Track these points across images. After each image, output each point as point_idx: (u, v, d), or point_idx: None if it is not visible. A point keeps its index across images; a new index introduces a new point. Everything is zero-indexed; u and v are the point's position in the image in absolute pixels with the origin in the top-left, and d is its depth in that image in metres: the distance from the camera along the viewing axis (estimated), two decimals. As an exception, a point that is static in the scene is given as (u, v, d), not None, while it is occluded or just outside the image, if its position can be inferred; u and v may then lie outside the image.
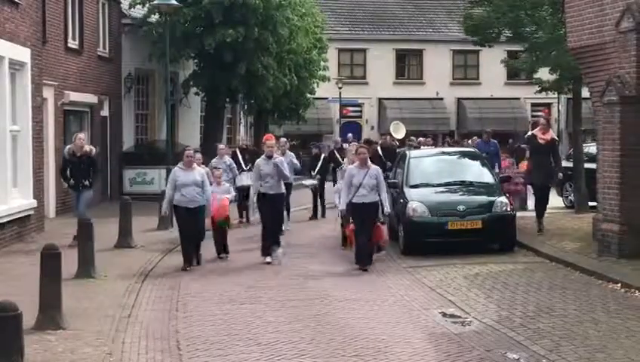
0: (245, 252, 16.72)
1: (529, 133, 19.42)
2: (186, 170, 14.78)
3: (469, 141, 33.39)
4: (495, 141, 24.66)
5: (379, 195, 14.61)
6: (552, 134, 18.61)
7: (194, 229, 14.77)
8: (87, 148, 17.33)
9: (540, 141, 17.87)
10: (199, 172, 14.93)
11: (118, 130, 27.75)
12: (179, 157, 16.83)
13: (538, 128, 18.27)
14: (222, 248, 16.07)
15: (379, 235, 14.98)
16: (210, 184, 15.76)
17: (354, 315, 10.91)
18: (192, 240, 14.90)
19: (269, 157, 15.63)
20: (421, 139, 30.35)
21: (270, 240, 15.45)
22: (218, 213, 15.59)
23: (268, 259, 15.29)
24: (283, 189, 15.92)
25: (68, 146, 17.73)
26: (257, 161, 15.99)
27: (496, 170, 21.05)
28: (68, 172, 17.21)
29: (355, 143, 20.20)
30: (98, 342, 9.58)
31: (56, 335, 9.77)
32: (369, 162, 14.80)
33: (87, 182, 17.13)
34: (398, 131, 31.14)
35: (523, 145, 28.90)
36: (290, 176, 18.12)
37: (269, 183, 15.41)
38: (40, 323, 9.96)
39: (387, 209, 14.88)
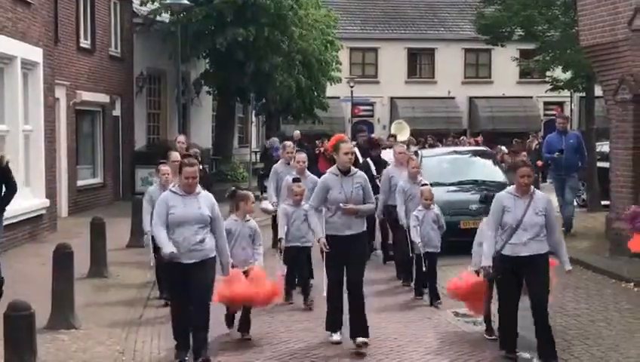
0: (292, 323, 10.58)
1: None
2: (183, 194, 8.61)
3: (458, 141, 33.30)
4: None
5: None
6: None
7: (196, 301, 8.56)
8: None
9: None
10: (207, 199, 8.68)
11: (130, 130, 27.80)
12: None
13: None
14: (244, 322, 9.88)
15: None
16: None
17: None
18: (191, 319, 8.63)
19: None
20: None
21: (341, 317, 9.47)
22: (253, 296, 9.58)
23: (336, 336, 9.40)
24: (365, 226, 9.60)
25: None
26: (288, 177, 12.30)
27: None
28: None
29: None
30: (110, 341, 9.59)
31: (69, 335, 9.79)
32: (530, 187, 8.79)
33: None
34: (402, 131, 25.59)
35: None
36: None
37: (341, 219, 9.28)
38: (52, 323, 9.98)
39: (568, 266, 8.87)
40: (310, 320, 10.48)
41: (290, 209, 11.52)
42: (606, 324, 10.11)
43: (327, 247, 9.15)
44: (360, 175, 9.38)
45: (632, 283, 12.32)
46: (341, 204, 9.08)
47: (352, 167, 9.43)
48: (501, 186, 16.94)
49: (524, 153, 30.96)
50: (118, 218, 18.69)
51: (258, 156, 36.96)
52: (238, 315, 9.91)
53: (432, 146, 32.65)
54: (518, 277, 8.63)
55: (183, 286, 8.53)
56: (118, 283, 13.11)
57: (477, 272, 9.46)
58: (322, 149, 21.43)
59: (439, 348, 9.32)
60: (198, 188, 8.64)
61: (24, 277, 13.09)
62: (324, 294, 9.56)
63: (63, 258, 10.28)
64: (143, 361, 8.92)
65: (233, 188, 10.89)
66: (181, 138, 15.58)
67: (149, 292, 12.40)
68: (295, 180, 11.84)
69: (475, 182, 17.15)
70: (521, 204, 8.57)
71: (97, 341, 9.59)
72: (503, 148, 32.33)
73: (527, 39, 26.44)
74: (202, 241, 8.47)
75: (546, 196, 8.79)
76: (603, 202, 21.00)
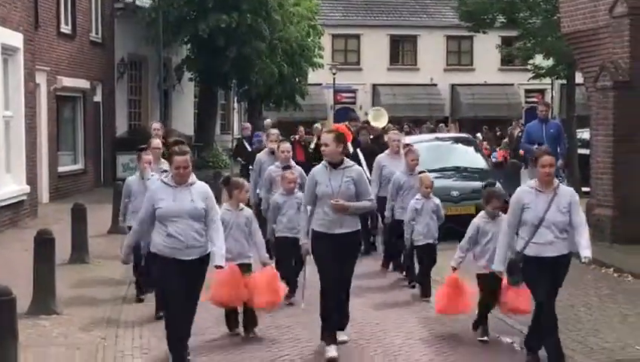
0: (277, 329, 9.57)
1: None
2: (174, 185, 7.82)
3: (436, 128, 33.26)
4: None
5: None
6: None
7: (190, 301, 7.89)
8: None
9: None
10: (201, 191, 7.88)
11: (111, 116, 27.67)
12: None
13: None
14: (250, 320, 9.32)
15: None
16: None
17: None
18: (186, 322, 7.89)
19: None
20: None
21: (335, 316, 8.66)
22: (260, 298, 9.06)
23: (332, 352, 8.36)
24: (359, 225, 8.83)
25: None
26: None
27: None
28: None
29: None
30: (92, 326, 9.58)
31: (50, 320, 9.77)
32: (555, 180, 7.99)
33: None
34: (380, 118, 24.16)
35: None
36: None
37: (330, 216, 8.54)
38: (34, 308, 9.96)
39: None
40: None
41: (282, 199, 10.78)
42: (586, 309, 10.18)
43: (309, 254, 8.65)
44: (353, 169, 8.56)
45: (611, 269, 12.40)
46: (332, 201, 8.36)
47: (346, 160, 8.67)
48: (482, 173, 17.07)
49: (505, 140, 31.13)
50: (99, 204, 18.62)
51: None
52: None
53: (407, 134, 32.72)
54: (546, 276, 7.76)
55: (181, 286, 7.65)
56: (100, 269, 13.07)
57: (454, 269, 9.13)
58: (298, 137, 21.15)
59: (421, 333, 9.36)
60: (192, 177, 7.82)
61: (5, 262, 13.05)
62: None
63: (44, 244, 10.25)
64: (125, 347, 8.89)
65: (227, 175, 10.68)
66: (156, 125, 14.95)
67: (130, 279, 12.38)
68: (286, 168, 11.35)
69: (456, 169, 17.19)
70: (543, 200, 7.70)
71: (79, 326, 9.57)
72: (479, 135, 32.49)
73: (509, 26, 26.51)
74: (200, 236, 7.73)
75: (570, 191, 7.98)
76: (583, 189, 21.11)
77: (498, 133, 39.11)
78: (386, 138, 14.74)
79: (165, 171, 9.50)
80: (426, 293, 10.94)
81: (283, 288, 9.31)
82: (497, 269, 8.06)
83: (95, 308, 10.46)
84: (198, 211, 7.70)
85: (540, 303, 7.81)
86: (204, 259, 7.79)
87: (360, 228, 8.75)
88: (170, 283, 7.73)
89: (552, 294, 7.86)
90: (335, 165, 8.52)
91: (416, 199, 11.19)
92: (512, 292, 8.43)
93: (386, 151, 13.35)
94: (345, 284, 8.71)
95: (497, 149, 29.48)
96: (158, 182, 8.10)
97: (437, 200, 11.30)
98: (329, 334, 8.46)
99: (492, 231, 8.89)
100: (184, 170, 7.73)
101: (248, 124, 23.53)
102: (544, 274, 7.73)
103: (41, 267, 10.16)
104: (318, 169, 8.65)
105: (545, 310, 7.76)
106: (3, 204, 16.49)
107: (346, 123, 16.36)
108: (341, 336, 8.68)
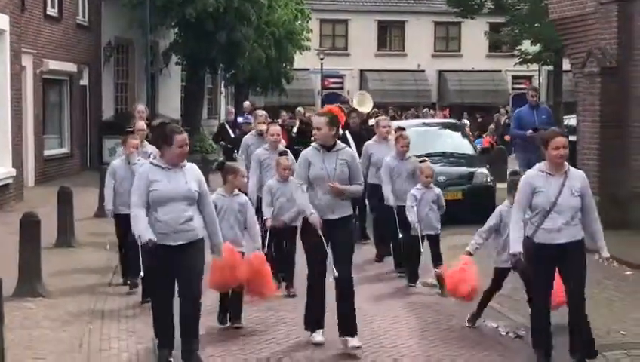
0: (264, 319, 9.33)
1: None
2: (166, 167, 7.44)
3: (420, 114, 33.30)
4: None
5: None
6: None
7: (185, 288, 7.45)
8: None
9: None
10: (193, 173, 7.55)
11: (98, 100, 27.58)
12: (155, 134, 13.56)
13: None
14: (235, 312, 9.01)
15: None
16: None
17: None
18: (180, 310, 7.51)
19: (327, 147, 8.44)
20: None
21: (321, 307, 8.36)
22: (252, 285, 8.84)
23: (318, 337, 8.29)
24: (351, 209, 8.49)
25: None
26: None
27: None
28: None
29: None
30: (77, 310, 9.56)
31: (36, 303, 9.75)
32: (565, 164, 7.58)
33: None
34: (364, 103, 23.90)
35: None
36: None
37: (323, 201, 8.19)
38: (19, 291, 9.92)
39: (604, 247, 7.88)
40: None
41: (276, 185, 10.34)
42: (571, 294, 10.21)
43: (321, 223, 7.98)
44: (346, 151, 8.27)
45: (597, 255, 12.42)
46: (329, 184, 8.02)
47: (339, 142, 8.32)
48: (469, 158, 17.09)
49: (490, 126, 31.16)
50: (85, 188, 18.58)
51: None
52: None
53: (392, 119, 32.76)
54: (552, 267, 7.48)
55: (169, 272, 7.36)
56: (86, 253, 13.04)
57: (469, 254, 8.84)
58: (280, 121, 21.01)
59: (407, 317, 9.38)
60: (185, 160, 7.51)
61: (-10, 245, 12.99)
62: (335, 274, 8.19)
63: (29, 226, 10.21)
64: (111, 329, 8.88)
65: (221, 159, 10.42)
66: (140, 107, 14.56)
67: (116, 263, 12.36)
68: (282, 153, 10.74)
69: (442, 154, 17.19)
70: (554, 183, 7.35)
71: (65, 309, 9.55)
72: (466, 121, 32.52)
73: (497, 12, 26.54)
74: (191, 220, 7.35)
75: (581, 174, 7.61)
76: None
77: (479, 120, 39.17)
78: (370, 122, 14.61)
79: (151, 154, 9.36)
80: (412, 279, 10.91)
81: (271, 281, 9.00)
82: (516, 250, 7.39)
83: (81, 291, 10.44)
84: (192, 193, 7.37)
85: (540, 292, 7.54)
86: (195, 243, 7.40)
87: (352, 213, 8.42)
88: (154, 269, 7.42)
89: (578, 283, 7.45)
90: (328, 148, 8.19)
91: (417, 188, 10.82)
92: None
93: (374, 138, 13.07)
94: (345, 281, 8.05)
95: (484, 136, 29.53)
96: (147, 165, 7.60)
97: (437, 190, 10.96)
98: (314, 321, 8.24)
99: None
100: (186, 148, 7.42)
101: (233, 109, 23.41)
102: (553, 263, 7.42)
103: (26, 249, 10.12)
104: (310, 151, 8.24)
105: (575, 302, 7.45)
106: (-12, 186, 16.43)
107: (338, 104, 16.00)
108: (352, 342, 7.99)
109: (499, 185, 18.31)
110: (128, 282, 10.53)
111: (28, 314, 9.27)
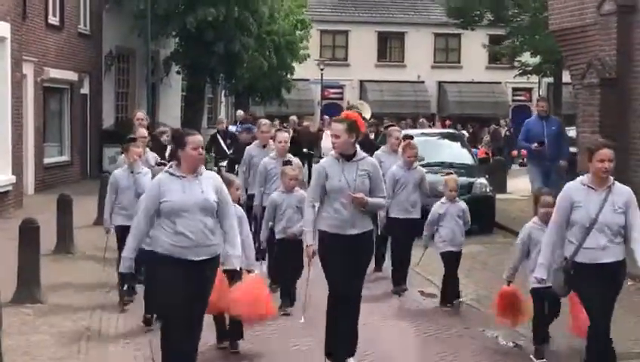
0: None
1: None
2: (181, 175, 6.80)
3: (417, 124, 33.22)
4: None
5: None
6: None
7: (197, 309, 6.84)
8: None
9: None
10: (211, 181, 6.90)
11: (98, 108, 27.59)
12: (155, 140, 13.02)
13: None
14: (235, 332, 8.35)
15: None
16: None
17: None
18: (194, 333, 6.87)
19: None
20: None
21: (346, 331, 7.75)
22: (243, 308, 7.81)
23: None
24: (372, 224, 8.02)
25: None
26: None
27: None
28: None
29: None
30: (76, 316, 9.56)
31: (34, 309, 9.75)
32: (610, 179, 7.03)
33: None
34: (363, 113, 23.68)
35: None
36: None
37: (343, 215, 7.64)
38: (18, 297, 9.92)
39: None
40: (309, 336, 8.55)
41: (280, 197, 9.92)
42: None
43: (312, 257, 7.62)
44: (368, 161, 7.70)
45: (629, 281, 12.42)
46: (351, 193, 7.43)
47: (359, 151, 7.72)
48: (468, 168, 17.11)
49: (486, 137, 31.13)
50: (85, 196, 18.55)
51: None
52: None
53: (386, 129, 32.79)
54: (602, 286, 6.79)
55: (187, 291, 6.58)
56: (85, 260, 13.03)
57: (508, 283, 8.35)
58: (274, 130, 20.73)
59: (406, 327, 9.39)
60: (200, 167, 6.88)
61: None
62: (302, 320, 8.27)
63: (28, 232, 10.22)
64: (109, 337, 8.89)
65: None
66: (140, 114, 14.18)
67: (115, 269, 12.35)
68: (287, 163, 10.34)
69: (441, 164, 17.21)
70: (595, 198, 6.80)
71: (63, 316, 9.55)
72: (465, 132, 32.57)
73: (497, 24, 26.62)
74: (212, 233, 6.72)
75: (628, 190, 6.97)
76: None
77: (470, 131, 39.11)
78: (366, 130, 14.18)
79: (162, 164, 9.11)
80: (447, 300, 10.20)
81: (271, 299, 8.19)
82: (540, 276, 6.99)
83: (79, 298, 10.43)
84: (210, 204, 6.71)
85: (596, 318, 6.82)
86: (215, 261, 6.80)
87: (372, 228, 7.87)
88: (173, 288, 6.60)
89: (609, 309, 6.86)
90: (348, 157, 7.59)
91: (441, 202, 10.32)
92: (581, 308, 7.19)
93: (383, 148, 12.55)
94: (355, 298, 7.67)
95: (479, 147, 29.60)
96: (161, 174, 6.89)
97: (463, 204, 10.42)
98: (340, 353, 7.59)
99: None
100: (202, 151, 6.81)
101: (224, 118, 23.20)
102: (598, 285, 6.77)
103: (25, 255, 10.12)
104: (328, 161, 7.69)
105: (600, 328, 6.80)
106: (-12, 194, 16.44)
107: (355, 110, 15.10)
108: None
109: (498, 196, 18.43)
110: (126, 299, 9.94)
111: (26, 320, 9.28)
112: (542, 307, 8.03)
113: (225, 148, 19.08)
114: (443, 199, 10.38)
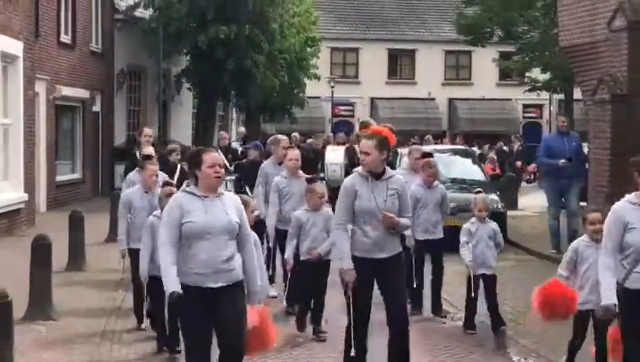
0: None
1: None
2: (202, 195, 6.37)
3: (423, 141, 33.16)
4: None
5: None
6: None
7: (226, 339, 6.33)
8: None
9: None
10: (232, 203, 6.51)
11: (110, 126, 27.72)
12: (164, 159, 12.43)
13: None
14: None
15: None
16: None
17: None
18: None
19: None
20: None
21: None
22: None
23: None
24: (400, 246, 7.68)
25: None
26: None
27: None
28: None
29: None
30: (88, 332, 9.58)
31: (46, 326, 9.78)
32: None
33: None
34: None
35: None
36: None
37: (371, 238, 7.32)
38: (30, 314, 9.95)
39: None
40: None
41: (305, 216, 9.45)
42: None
43: (352, 283, 7.13)
44: (397, 179, 7.32)
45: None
46: (385, 213, 7.10)
47: (388, 168, 7.36)
48: (480, 185, 17.08)
49: (492, 155, 31.03)
50: (97, 213, 18.60)
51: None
52: None
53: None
54: None
55: (207, 320, 6.23)
56: (97, 277, 13.06)
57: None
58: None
59: (417, 343, 9.34)
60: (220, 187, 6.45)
61: (1, 268, 13.02)
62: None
63: (41, 249, 10.26)
64: (120, 354, 8.89)
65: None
66: (147, 131, 13.79)
67: (127, 287, 12.37)
68: (313, 180, 9.85)
69: (453, 181, 17.21)
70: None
71: (75, 333, 9.57)
72: (476, 149, 32.50)
73: (508, 41, 26.66)
74: (232, 258, 6.29)
75: None
76: (581, 203, 21.14)
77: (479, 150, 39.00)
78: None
79: (170, 184, 8.94)
80: (471, 323, 9.82)
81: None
82: (610, 302, 6.30)
83: (91, 315, 10.44)
84: (233, 226, 6.29)
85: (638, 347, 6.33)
86: (237, 286, 6.34)
87: (401, 250, 7.50)
88: (194, 319, 6.21)
89: None
90: (377, 175, 7.20)
91: (471, 222, 9.88)
92: None
93: (403, 167, 12.09)
94: (401, 326, 7.29)
95: (484, 164, 29.52)
96: (180, 193, 6.43)
97: (494, 225, 9.92)
98: None
99: (593, 258, 7.33)
100: (220, 170, 6.37)
101: (225, 134, 23.12)
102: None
103: (37, 272, 10.15)
104: (357, 179, 7.23)
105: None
106: (0, 211, 16.48)
107: (388, 125, 10.79)
108: None
109: (510, 213, 18.40)
110: (143, 326, 9.60)
111: (38, 337, 9.30)
112: (582, 332, 7.73)
113: (227, 163, 19.00)
114: (473, 220, 9.92)
